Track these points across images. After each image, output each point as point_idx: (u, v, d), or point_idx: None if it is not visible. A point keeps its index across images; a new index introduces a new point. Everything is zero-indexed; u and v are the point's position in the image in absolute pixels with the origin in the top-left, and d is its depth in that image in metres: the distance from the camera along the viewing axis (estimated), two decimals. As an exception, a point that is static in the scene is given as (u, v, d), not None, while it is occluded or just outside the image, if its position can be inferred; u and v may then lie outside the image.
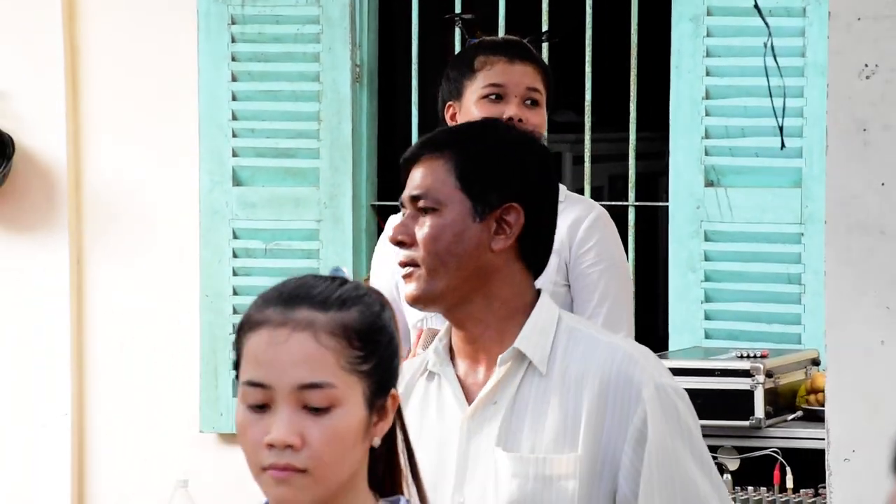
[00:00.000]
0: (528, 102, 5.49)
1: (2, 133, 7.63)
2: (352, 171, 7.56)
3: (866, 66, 5.07)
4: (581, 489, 3.62)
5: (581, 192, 7.31)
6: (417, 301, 3.76)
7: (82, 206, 7.80)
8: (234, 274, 7.73)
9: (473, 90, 5.50)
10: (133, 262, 7.66)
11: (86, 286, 7.85)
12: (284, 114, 7.68)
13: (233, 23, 7.60)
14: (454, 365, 3.80)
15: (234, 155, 7.70)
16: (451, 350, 3.84)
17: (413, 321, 5.68)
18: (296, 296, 2.91)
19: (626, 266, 5.89)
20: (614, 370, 3.70)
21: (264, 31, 7.63)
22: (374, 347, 2.87)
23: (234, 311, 7.81)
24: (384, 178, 7.61)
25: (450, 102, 5.63)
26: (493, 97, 5.47)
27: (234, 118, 7.67)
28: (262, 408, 2.83)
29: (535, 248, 3.80)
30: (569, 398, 3.72)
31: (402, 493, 2.95)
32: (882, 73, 5.06)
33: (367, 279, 5.54)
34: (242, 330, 2.92)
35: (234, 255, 7.73)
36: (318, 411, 2.84)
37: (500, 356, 3.69)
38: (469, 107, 5.51)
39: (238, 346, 2.93)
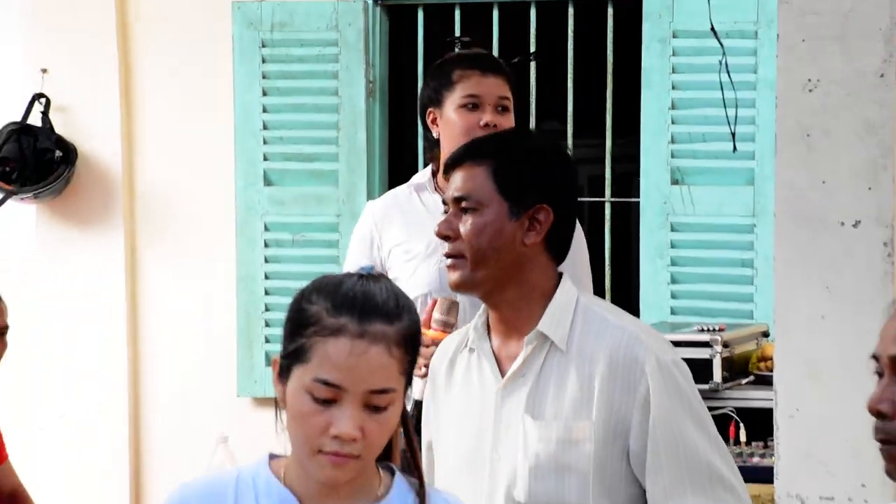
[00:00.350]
0: (500, 109, 5.51)
1: (66, 142, 7.61)
2: (366, 173, 7.57)
3: (809, 80, 5.09)
4: (596, 450, 3.67)
5: None
6: (461, 287, 3.84)
7: (135, 205, 7.79)
8: (266, 261, 7.73)
9: (453, 100, 5.52)
10: (179, 253, 7.65)
11: (139, 274, 7.82)
12: (308, 123, 7.67)
13: (263, 46, 7.62)
14: (490, 340, 3.86)
15: (265, 159, 7.70)
16: (487, 327, 3.87)
17: (416, 294, 5.71)
18: (369, 309, 3.06)
19: (585, 248, 5.78)
20: (622, 349, 3.75)
21: (290, 53, 7.65)
22: (417, 349, 3.08)
23: (266, 293, 7.76)
24: (393, 178, 7.58)
25: (430, 109, 5.65)
26: (470, 106, 5.48)
27: (265, 128, 7.68)
28: (328, 402, 2.97)
29: (560, 241, 3.87)
30: (584, 373, 3.76)
31: (393, 462, 3.13)
32: (823, 86, 5.08)
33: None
34: (312, 329, 3.06)
35: (266, 245, 7.72)
36: (377, 409, 3.00)
37: (526, 337, 3.75)
38: (449, 113, 5.54)
39: (302, 337, 3.06)
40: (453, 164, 3.94)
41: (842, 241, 5.10)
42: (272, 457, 3.18)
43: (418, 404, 5.85)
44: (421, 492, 3.17)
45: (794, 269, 5.14)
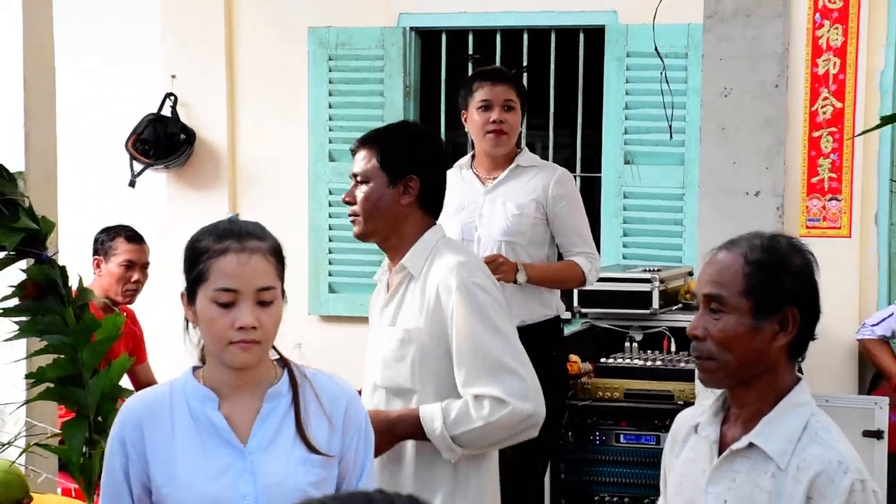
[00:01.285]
0: (506, 108, 5.49)
1: (188, 128, 7.66)
2: None
3: (725, 88, 5.05)
4: (424, 347, 3.79)
5: None
6: (360, 237, 4.02)
7: (236, 175, 7.76)
8: (329, 217, 7.70)
9: (473, 104, 5.52)
10: (266, 209, 7.57)
11: None
12: (360, 116, 7.57)
13: (329, 59, 7.59)
14: (389, 272, 4.06)
15: (330, 142, 7.67)
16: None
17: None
18: (242, 232, 3.11)
19: (580, 200, 5.81)
20: (444, 276, 3.82)
21: (349, 64, 7.61)
22: (283, 262, 3.11)
23: (329, 240, 7.74)
24: None
25: (462, 111, 5.64)
26: (483, 108, 5.49)
27: (330, 119, 7.65)
28: (227, 305, 3.01)
29: (431, 200, 3.97)
30: (424, 295, 3.86)
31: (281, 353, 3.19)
32: (735, 93, 5.05)
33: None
34: (205, 255, 3.11)
35: (329, 205, 7.69)
36: (265, 304, 3.04)
37: (395, 267, 3.95)
38: (472, 114, 5.56)
39: (198, 265, 3.11)
40: (354, 149, 4.04)
41: (747, 207, 5.07)
42: (195, 368, 3.19)
43: None
44: (291, 372, 3.17)
45: (711, 227, 5.09)
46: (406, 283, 3.96)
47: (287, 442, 3.10)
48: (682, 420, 3.21)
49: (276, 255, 3.09)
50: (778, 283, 2.99)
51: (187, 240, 3.20)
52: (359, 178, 3.94)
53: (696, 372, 3.14)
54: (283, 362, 3.16)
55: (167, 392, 3.12)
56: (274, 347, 3.17)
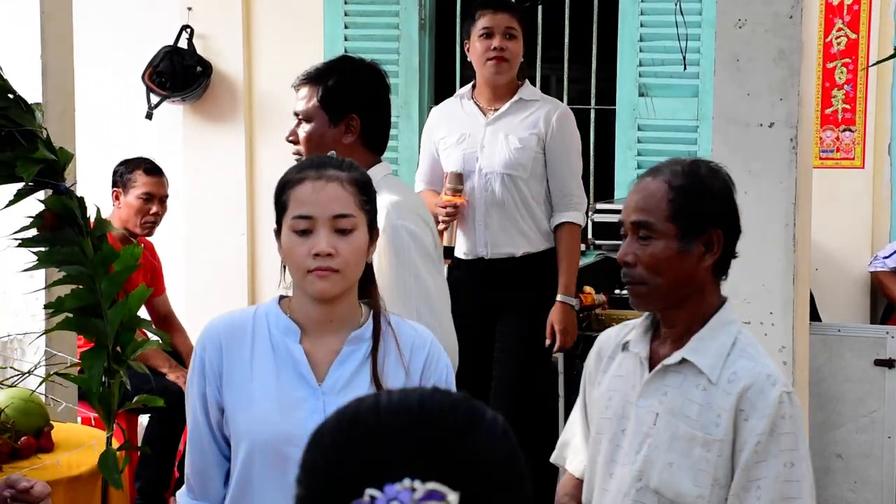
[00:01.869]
0: (508, 36, 5.57)
1: (205, 60, 7.66)
2: (418, 86, 7.56)
3: (739, 20, 5.05)
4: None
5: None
6: None
7: (252, 107, 7.78)
8: None
9: (475, 32, 5.59)
10: (281, 142, 7.65)
11: (255, 155, 7.82)
12: (376, 49, 7.53)
13: None
14: None
15: None
16: None
17: (448, 170, 5.76)
18: (323, 163, 3.14)
19: (578, 142, 5.85)
20: (385, 218, 3.71)
21: (370, 5, 7.66)
22: (371, 195, 3.11)
23: None
24: (438, 89, 7.60)
25: (465, 41, 5.72)
26: (485, 35, 5.55)
27: (346, 51, 7.49)
28: (305, 233, 3.03)
29: (374, 137, 4.01)
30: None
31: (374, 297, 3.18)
32: (749, 24, 5.04)
33: None
34: (286, 187, 3.14)
35: None
36: (344, 233, 3.05)
37: None
38: (474, 42, 5.63)
39: (282, 198, 3.13)
40: (296, 87, 4.08)
41: (761, 138, 5.07)
42: (281, 298, 3.20)
43: (447, 250, 5.91)
44: (376, 317, 3.18)
45: (725, 158, 5.09)
46: None
47: (363, 387, 3.09)
48: (607, 338, 3.35)
49: (358, 185, 3.11)
50: (702, 207, 3.12)
51: (279, 179, 3.27)
52: (300, 117, 3.97)
53: (631, 298, 3.23)
54: (371, 306, 3.18)
55: (251, 316, 3.16)
56: (367, 288, 3.21)
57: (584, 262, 6.27)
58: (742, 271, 5.09)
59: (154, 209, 6.30)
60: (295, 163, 3.44)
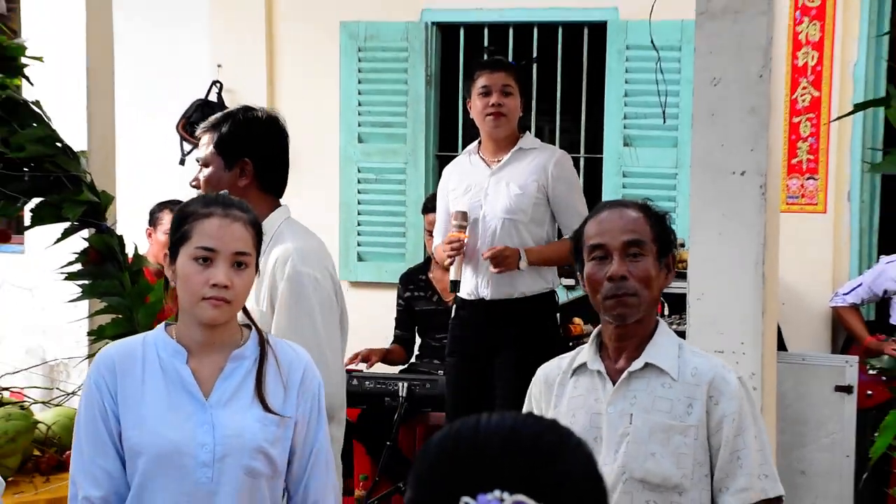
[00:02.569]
0: (504, 94, 5.50)
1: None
2: (424, 136, 7.53)
3: (715, 78, 5.05)
4: (266, 317, 3.68)
5: None
6: None
7: None
8: (358, 192, 7.68)
9: (475, 90, 5.53)
10: (301, 185, 7.61)
11: None
12: (387, 102, 7.59)
13: (359, 50, 7.58)
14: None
15: (359, 125, 7.66)
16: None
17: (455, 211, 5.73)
18: (227, 203, 3.11)
19: (578, 181, 5.80)
20: (279, 260, 3.69)
21: (376, 55, 7.60)
22: (260, 236, 3.12)
23: (358, 213, 7.69)
24: (443, 139, 7.60)
25: (468, 99, 5.65)
26: (484, 93, 5.51)
27: (359, 105, 7.63)
28: (206, 261, 3.00)
29: (270, 181, 3.86)
30: (265, 273, 3.72)
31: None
32: (723, 83, 5.04)
33: None
34: (191, 218, 3.08)
35: (358, 182, 7.67)
36: (240, 267, 3.04)
37: None
38: (475, 100, 5.60)
39: (183, 227, 3.08)
40: (199, 135, 3.95)
41: (733, 185, 5.07)
42: (167, 325, 3.15)
43: (455, 284, 5.88)
44: (261, 338, 3.15)
45: (702, 202, 5.10)
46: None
47: (246, 400, 3.09)
48: (550, 370, 3.40)
49: (255, 227, 3.10)
50: (668, 233, 3.23)
51: (177, 209, 3.20)
52: (201, 163, 3.85)
53: (613, 309, 3.21)
54: (250, 327, 3.16)
55: (140, 343, 3.11)
56: (245, 312, 3.19)
57: (573, 295, 6.28)
58: (717, 305, 5.12)
59: None
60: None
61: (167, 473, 2.99)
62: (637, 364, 3.17)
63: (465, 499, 1.40)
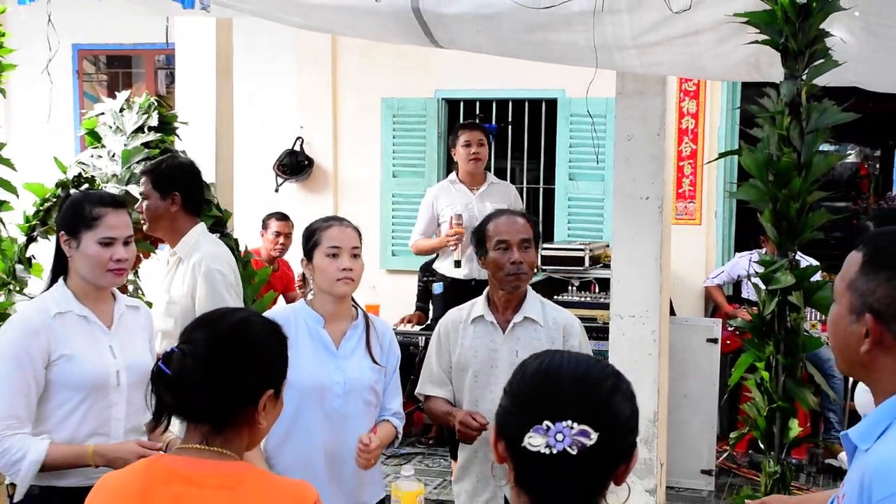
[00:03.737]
0: (479, 144, 5.60)
1: (309, 157, 7.62)
2: (436, 171, 7.46)
3: (628, 135, 5.05)
4: (187, 308, 3.47)
5: (521, 188, 7.22)
6: (149, 233, 3.75)
7: (338, 186, 7.72)
8: (392, 211, 7.62)
9: (459, 143, 5.65)
10: (355, 206, 7.58)
11: (340, 210, 7.71)
12: (412, 151, 7.53)
13: (394, 117, 7.54)
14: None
15: (393, 166, 7.60)
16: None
17: (444, 221, 5.74)
18: (339, 218, 3.16)
19: (520, 201, 5.94)
20: (198, 261, 3.50)
21: (405, 120, 7.55)
22: (361, 237, 3.09)
23: (392, 224, 7.58)
24: (447, 175, 7.60)
25: (452, 148, 5.72)
26: (465, 145, 5.58)
27: (394, 153, 7.58)
28: (334, 256, 2.98)
29: (191, 206, 3.63)
30: (188, 271, 3.54)
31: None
32: (634, 139, 5.00)
33: None
34: (318, 231, 3.06)
35: (392, 204, 7.61)
36: (355, 258, 3.02)
37: (171, 252, 3.68)
38: (458, 148, 5.70)
39: (314, 237, 3.05)
40: (140, 177, 3.76)
41: (641, 206, 5.06)
42: (306, 301, 3.10)
43: (457, 262, 5.87)
44: (365, 315, 3.12)
45: (621, 218, 5.09)
46: (177, 263, 3.63)
47: (361, 354, 3.08)
48: (453, 317, 3.38)
49: (358, 232, 3.11)
50: (539, 233, 3.38)
51: (304, 228, 3.17)
52: (143, 197, 3.66)
53: (512, 283, 3.27)
54: (357, 308, 3.16)
55: (292, 312, 3.07)
56: (353, 301, 3.14)
57: (535, 279, 6.27)
58: (630, 286, 5.12)
59: (282, 241, 6.41)
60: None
61: (312, 402, 2.97)
62: (518, 317, 3.26)
63: (546, 422, 1.37)
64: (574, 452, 1.34)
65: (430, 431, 6.49)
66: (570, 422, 1.36)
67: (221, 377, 1.77)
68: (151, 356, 2.88)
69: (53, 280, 2.86)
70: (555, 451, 1.35)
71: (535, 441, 1.36)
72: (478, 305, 3.31)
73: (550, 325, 3.28)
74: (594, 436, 1.36)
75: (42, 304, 2.78)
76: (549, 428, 1.36)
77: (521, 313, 3.26)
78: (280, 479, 1.86)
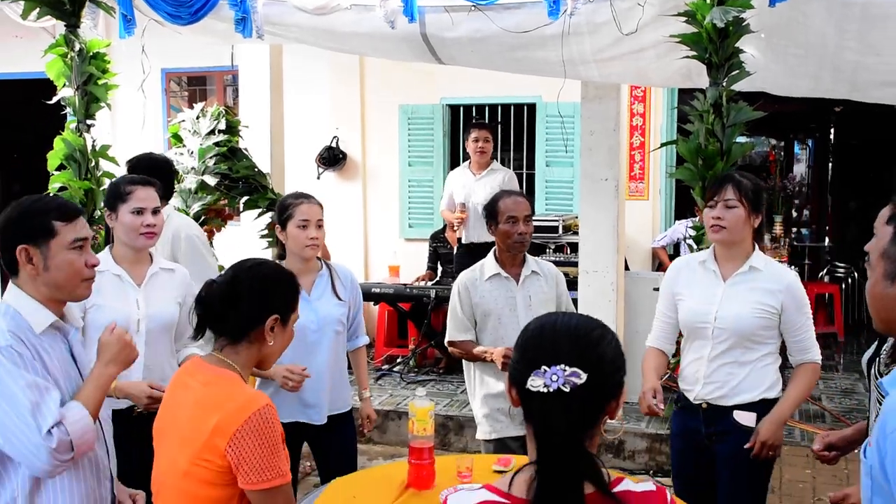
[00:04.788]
0: (485, 140, 5.57)
1: (343, 152, 7.52)
2: (442, 164, 7.39)
3: (591, 130, 5.05)
4: None
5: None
6: None
7: (367, 174, 7.64)
8: (409, 193, 7.52)
9: (470, 138, 5.58)
10: (380, 190, 7.55)
11: (367, 198, 7.61)
12: (422, 143, 7.44)
13: (409, 120, 7.46)
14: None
15: (409, 157, 7.51)
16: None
17: (458, 203, 5.74)
18: (308, 195, 2.97)
19: (517, 182, 5.83)
20: (175, 228, 3.30)
21: (417, 122, 7.46)
22: (322, 209, 2.83)
23: (409, 202, 7.48)
24: (452, 166, 7.46)
25: (465, 141, 5.73)
26: (474, 140, 5.54)
27: (409, 148, 7.51)
28: (304, 228, 2.86)
29: (168, 192, 3.38)
30: (168, 236, 3.28)
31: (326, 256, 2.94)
32: (596, 133, 5.01)
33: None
34: (291, 206, 2.87)
35: (409, 188, 7.52)
36: (320, 228, 2.87)
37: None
38: (469, 142, 5.70)
39: (289, 211, 2.86)
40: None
41: (601, 187, 5.08)
42: (279, 258, 2.94)
43: (459, 240, 5.90)
44: (328, 265, 2.98)
45: (586, 194, 5.11)
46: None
47: (329, 295, 3.03)
48: (469, 277, 3.24)
49: (321, 206, 3.01)
50: (534, 209, 3.34)
51: (278, 202, 3.02)
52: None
53: (519, 249, 3.21)
54: (320, 261, 3.03)
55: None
56: (318, 258, 3.00)
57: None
58: (594, 247, 5.17)
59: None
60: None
61: (296, 336, 2.88)
62: (527, 271, 3.23)
63: (544, 366, 1.32)
64: (567, 390, 1.30)
65: (440, 363, 6.53)
66: (563, 365, 1.31)
67: (236, 300, 1.86)
68: (181, 309, 2.83)
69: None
70: (551, 390, 1.30)
71: (535, 383, 1.32)
72: (489, 265, 3.25)
73: (547, 275, 3.30)
74: (584, 376, 1.31)
75: None
76: (545, 371, 1.31)
77: (527, 267, 3.25)
78: (244, 387, 1.84)
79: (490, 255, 3.29)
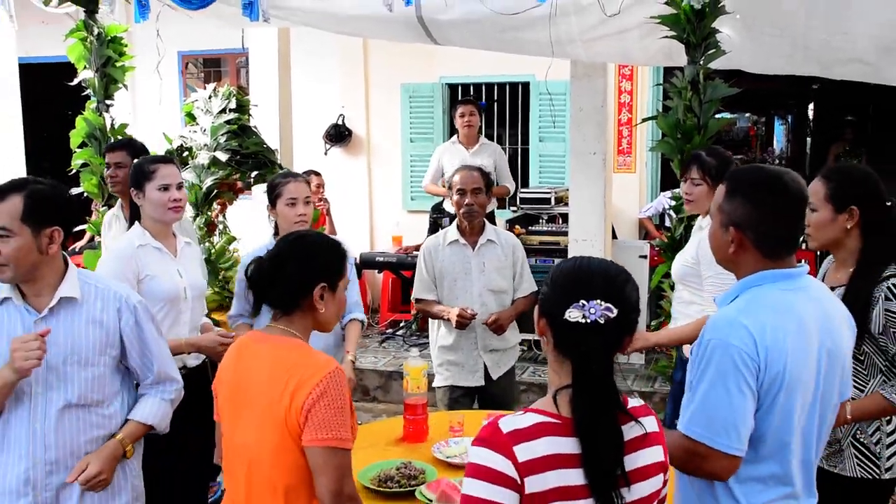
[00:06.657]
0: (471, 114, 5.49)
1: (349, 129, 7.48)
2: (442, 138, 7.26)
3: (580, 108, 5.02)
4: None
5: (505, 148, 7.08)
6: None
7: (371, 148, 7.58)
8: (410, 168, 7.49)
9: (457, 114, 5.56)
10: (383, 165, 7.53)
11: (372, 173, 7.59)
12: (422, 124, 7.40)
13: (410, 98, 7.40)
14: None
15: (411, 133, 7.48)
16: None
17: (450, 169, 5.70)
18: (296, 174, 2.92)
19: (505, 158, 5.74)
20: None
21: (418, 100, 7.41)
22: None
23: (411, 177, 7.43)
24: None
25: (454, 116, 5.66)
26: (461, 115, 5.51)
27: (410, 125, 7.48)
28: (293, 205, 2.75)
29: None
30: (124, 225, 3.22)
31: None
32: (585, 110, 5.00)
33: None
34: (280, 185, 2.82)
35: (410, 164, 7.49)
36: (308, 204, 2.80)
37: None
38: (456, 118, 5.67)
39: (278, 189, 2.81)
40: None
41: (591, 160, 5.07)
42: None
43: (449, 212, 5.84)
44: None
45: (576, 167, 5.11)
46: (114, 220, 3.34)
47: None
48: (433, 242, 3.31)
49: (308, 183, 2.96)
50: (489, 181, 3.30)
51: (268, 182, 2.95)
52: (118, 165, 3.26)
53: (469, 219, 3.22)
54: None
55: (268, 244, 2.78)
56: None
57: (511, 215, 6.28)
58: (584, 217, 5.17)
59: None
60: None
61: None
62: (483, 239, 3.28)
63: (582, 300, 1.37)
64: (602, 322, 1.37)
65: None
66: (599, 301, 1.37)
67: (283, 272, 1.81)
68: (205, 278, 2.85)
69: (131, 225, 2.83)
70: (589, 321, 1.36)
71: (573, 314, 1.37)
72: (451, 232, 3.34)
73: (504, 244, 3.34)
74: (615, 311, 1.37)
75: (127, 240, 2.71)
76: (584, 304, 1.37)
77: (484, 236, 3.32)
78: (314, 351, 1.82)
79: (454, 223, 3.36)
